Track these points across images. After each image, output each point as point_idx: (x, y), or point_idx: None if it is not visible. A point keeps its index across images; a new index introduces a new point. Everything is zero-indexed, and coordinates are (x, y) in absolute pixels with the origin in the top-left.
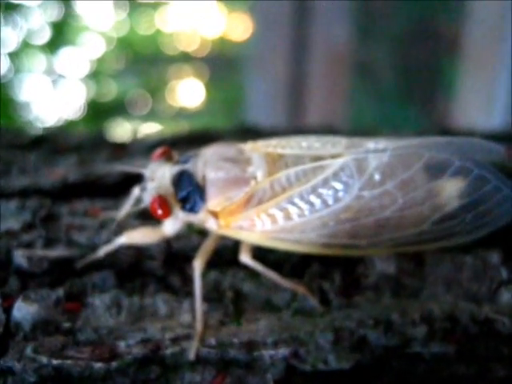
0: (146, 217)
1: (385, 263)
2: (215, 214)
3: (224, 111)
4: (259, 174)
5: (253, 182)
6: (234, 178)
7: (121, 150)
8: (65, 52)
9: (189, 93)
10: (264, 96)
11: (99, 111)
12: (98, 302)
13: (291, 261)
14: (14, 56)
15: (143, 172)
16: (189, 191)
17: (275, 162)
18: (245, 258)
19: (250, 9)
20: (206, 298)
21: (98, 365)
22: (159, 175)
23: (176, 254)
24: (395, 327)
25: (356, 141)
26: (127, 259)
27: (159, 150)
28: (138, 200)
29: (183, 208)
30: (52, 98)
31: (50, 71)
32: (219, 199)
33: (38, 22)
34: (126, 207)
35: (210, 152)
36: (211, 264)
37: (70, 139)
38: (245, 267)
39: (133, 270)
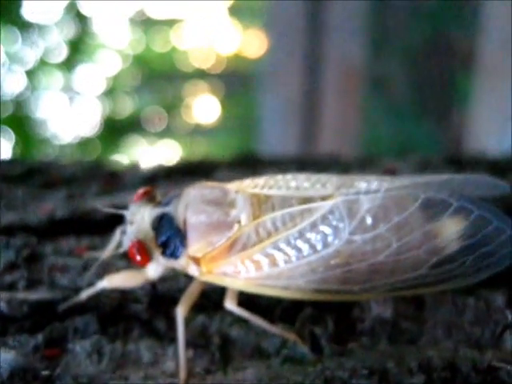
0: None
1: (381, 306)
2: (197, 260)
3: (239, 127)
4: (243, 218)
5: (236, 227)
6: (217, 222)
7: (113, 182)
8: (81, 69)
9: (204, 109)
10: (278, 112)
11: (115, 128)
12: (79, 348)
13: (282, 304)
14: (31, 74)
15: (124, 214)
16: (169, 236)
17: (261, 204)
18: (230, 304)
19: (264, 25)
20: (192, 344)
21: None
22: (139, 218)
23: (162, 297)
24: (391, 376)
25: (348, 180)
26: (110, 302)
27: (141, 191)
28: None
29: (163, 253)
30: (69, 116)
31: (66, 89)
32: (201, 244)
33: (54, 40)
34: (110, 248)
35: (192, 193)
36: (198, 307)
37: (62, 171)
38: None
39: (116, 314)
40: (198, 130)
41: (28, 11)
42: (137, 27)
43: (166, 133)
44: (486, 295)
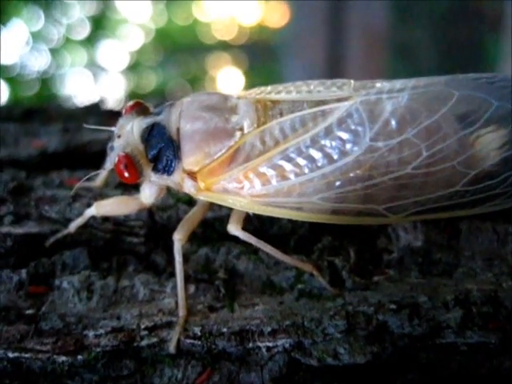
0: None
1: (411, 234)
2: (193, 175)
3: None
4: (246, 124)
5: (238, 135)
6: (215, 130)
7: (113, 118)
8: (105, 45)
9: (228, 81)
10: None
11: None
12: (67, 284)
13: (298, 233)
14: (55, 52)
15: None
16: (160, 148)
17: (267, 110)
18: (234, 228)
19: None
20: (195, 279)
21: (62, 358)
22: (127, 131)
23: (161, 228)
24: (423, 312)
25: (368, 82)
26: (104, 235)
27: (131, 103)
28: None
29: (155, 169)
30: (93, 91)
31: (90, 65)
32: (197, 156)
33: (77, 16)
34: (102, 176)
35: (187, 100)
36: (202, 238)
37: (61, 109)
38: (242, 242)
39: (110, 248)
40: None
41: None
42: (159, 1)
43: None
44: None
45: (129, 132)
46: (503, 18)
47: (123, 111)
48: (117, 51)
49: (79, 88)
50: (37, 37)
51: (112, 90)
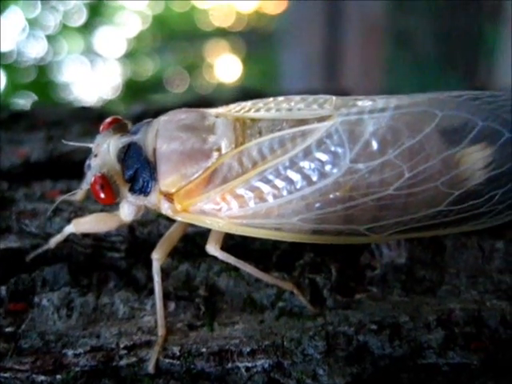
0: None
1: (394, 251)
2: (169, 197)
3: (261, 85)
4: (224, 145)
5: (215, 155)
6: (192, 151)
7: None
8: (101, 32)
9: (226, 68)
10: (300, 68)
11: (137, 89)
12: (46, 301)
13: (279, 250)
14: (51, 39)
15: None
16: (137, 169)
17: (246, 129)
18: (213, 249)
19: None
20: (175, 296)
21: (41, 378)
22: (103, 150)
23: (142, 243)
24: (404, 333)
25: (350, 100)
26: (84, 251)
27: (108, 119)
28: None
29: (132, 190)
30: (91, 78)
31: (87, 52)
32: (173, 178)
33: (74, 3)
34: (83, 190)
35: (164, 119)
36: (182, 254)
37: (47, 114)
38: None
39: (91, 263)
40: (220, 89)
41: None
42: None
43: (189, 93)
44: None
45: (105, 151)
46: (502, 7)
47: (101, 127)
48: (114, 38)
49: (76, 75)
50: (33, 24)
51: (109, 77)
